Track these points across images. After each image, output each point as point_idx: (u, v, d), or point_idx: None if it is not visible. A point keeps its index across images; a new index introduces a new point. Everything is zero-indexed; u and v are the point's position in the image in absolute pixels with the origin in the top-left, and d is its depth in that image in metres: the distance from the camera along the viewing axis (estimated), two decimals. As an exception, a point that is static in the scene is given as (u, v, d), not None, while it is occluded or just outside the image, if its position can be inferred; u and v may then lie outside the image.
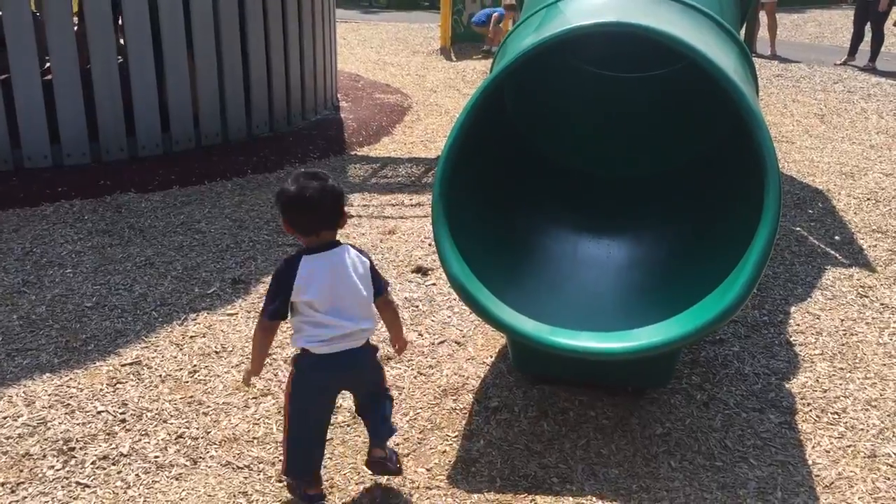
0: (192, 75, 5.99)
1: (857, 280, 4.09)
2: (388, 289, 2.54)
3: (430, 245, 4.41)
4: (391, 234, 4.61)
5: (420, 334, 3.50)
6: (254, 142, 6.34)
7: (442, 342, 3.44)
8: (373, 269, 2.45)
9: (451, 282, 2.62)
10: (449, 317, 3.66)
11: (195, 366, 3.22)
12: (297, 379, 2.40)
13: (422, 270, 4.14)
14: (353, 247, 2.44)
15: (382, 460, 2.46)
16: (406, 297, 3.84)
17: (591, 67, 3.91)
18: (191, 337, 3.45)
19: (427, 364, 3.26)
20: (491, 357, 3.31)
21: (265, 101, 6.54)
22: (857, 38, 10.53)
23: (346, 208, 2.40)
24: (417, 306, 3.76)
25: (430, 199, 3.37)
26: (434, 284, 3.99)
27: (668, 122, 3.80)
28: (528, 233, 3.37)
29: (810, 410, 2.96)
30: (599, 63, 3.89)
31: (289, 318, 2.36)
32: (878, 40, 10.21)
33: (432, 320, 3.63)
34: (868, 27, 10.34)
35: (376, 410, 2.50)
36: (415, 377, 3.16)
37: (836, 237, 4.67)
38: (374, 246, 4.41)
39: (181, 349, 3.35)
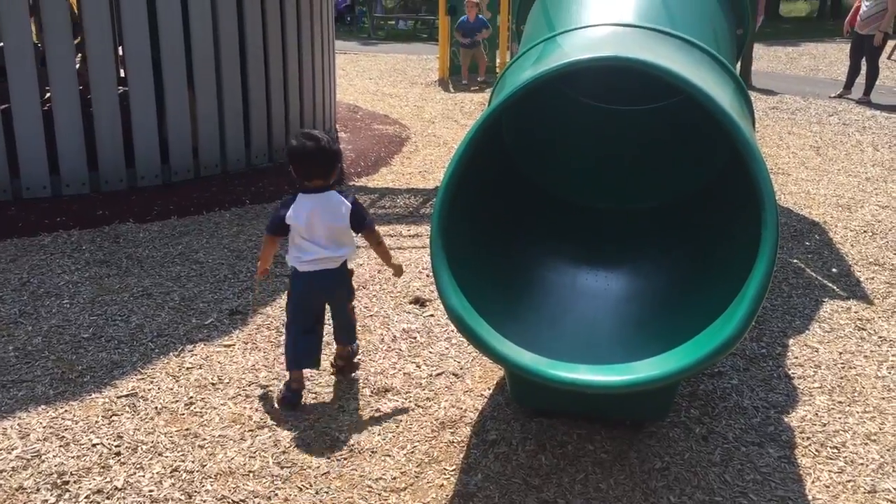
0: (191, 106, 6.02)
1: (855, 313, 4.09)
2: (372, 225, 3.18)
3: (428, 276, 4.41)
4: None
5: (418, 366, 3.49)
6: (253, 172, 6.37)
7: (440, 374, 3.43)
8: (355, 209, 3.10)
9: (449, 314, 2.61)
10: (447, 348, 3.65)
11: (191, 398, 3.20)
12: (290, 289, 3.22)
13: (420, 302, 4.13)
14: (340, 192, 3.12)
15: (340, 358, 3.40)
16: (404, 329, 3.83)
17: (590, 100, 3.94)
18: (187, 368, 3.43)
19: (425, 396, 3.25)
20: (489, 389, 3.29)
21: (264, 131, 6.58)
22: (853, 71, 10.62)
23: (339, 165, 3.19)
24: (415, 338, 3.75)
25: (428, 230, 3.37)
26: (432, 316, 3.98)
27: (667, 154, 3.82)
28: (526, 264, 3.37)
29: (810, 444, 2.95)
30: (598, 96, 3.92)
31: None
32: (872, 74, 10.30)
33: (430, 352, 3.62)
34: (864, 61, 10.43)
35: (339, 326, 3.35)
36: (412, 410, 3.15)
37: (834, 269, 4.67)
38: (371, 277, 4.41)
39: (177, 381, 3.33)
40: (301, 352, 3.17)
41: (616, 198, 3.74)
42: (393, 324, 3.89)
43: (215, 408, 3.13)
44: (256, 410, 3.12)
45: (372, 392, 3.27)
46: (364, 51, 16.81)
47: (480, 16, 12.05)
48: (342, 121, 8.40)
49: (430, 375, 3.41)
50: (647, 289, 3.29)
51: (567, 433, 2.96)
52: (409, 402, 3.20)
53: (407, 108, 9.85)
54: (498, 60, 12.76)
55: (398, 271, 3.35)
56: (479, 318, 2.63)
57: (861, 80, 10.43)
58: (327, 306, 3.30)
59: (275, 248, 3.23)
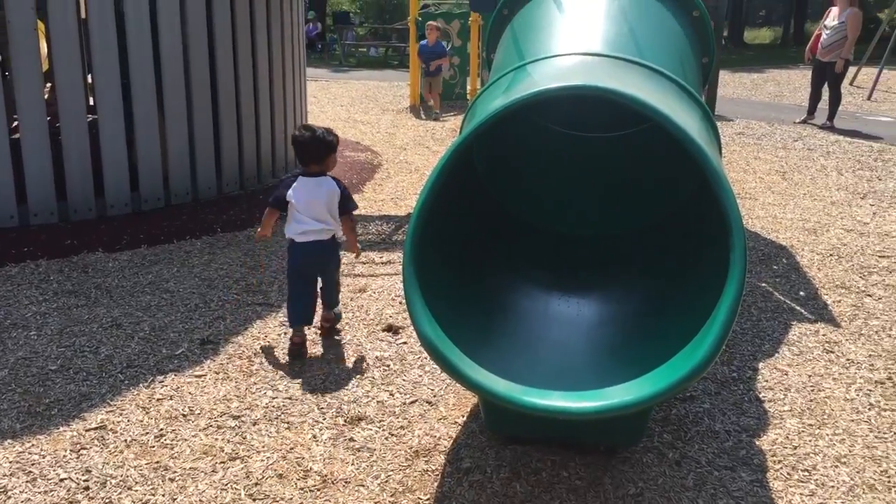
0: (162, 134, 6.00)
1: (823, 335, 4.15)
2: (352, 212, 3.86)
3: (400, 303, 4.41)
4: (361, 293, 4.60)
5: (391, 394, 3.48)
6: (224, 200, 6.34)
7: (413, 402, 3.41)
8: (343, 195, 3.78)
9: (423, 341, 2.61)
10: (420, 376, 3.64)
11: (162, 430, 3.16)
12: (288, 257, 3.89)
13: (392, 329, 4.12)
14: (334, 178, 3.81)
15: (326, 321, 4.01)
16: (377, 357, 3.82)
17: (560, 128, 3.98)
18: (157, 400, 3.39)
19: (398, 425, 3.23)
20: (463, 417, 3.29)
21: (235, 159, 6.56)
22: (815, 98, 10.84)
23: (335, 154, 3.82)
24: (388, 365, 3.74)
25: (400, 257, 3.37)
26: (405, 343, 3.97)
27: (637, 181, 3.87)
28: (499, 291, 3.38)
29: (781, 468, 2.97)
30: (568, 123, 3.97)
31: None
32: (835, 100, 10.51)
33: (403, 379, 3.61)
34: (826, 87, 10.65)
35: (327, 288, 3.97)
36: (386, 438, 3.13)
37: (801, 293, 4.74)
38: (344, 304, 4.39)
39: (147, 413, 3.29)
40: (298, 311, 3.79)
41: (588, 223, 3.77)
42: (366, 351, 3.88)
43: (186, 439, 3.09)
44: (228, 441, 3.08)
45: (345, 421, 3.25)
46: (335, 78, 16.87)
47: (442, 41, 11.85)
48: (314, 148, 8.40)
49: (404, 403, 3.40)
50: (618, 314, 3.31)
51: (541, 460, 2.96)
52: (383, 430, 3.19)
53: (379, 134, 9.88)
54: (469, 87, 12.86)
55: (357, 254, 4.03)
56: (453, 346, 2.63)
57: (824, 105, 10.64)
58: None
59: (274, 219, 3.88)
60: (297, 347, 3.78)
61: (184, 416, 3.27)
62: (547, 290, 3.44)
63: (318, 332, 4.03)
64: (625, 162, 3.95)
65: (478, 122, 2.68)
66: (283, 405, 3.35)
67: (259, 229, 3.94)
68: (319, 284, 3.94)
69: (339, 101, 13.06)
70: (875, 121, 11.42)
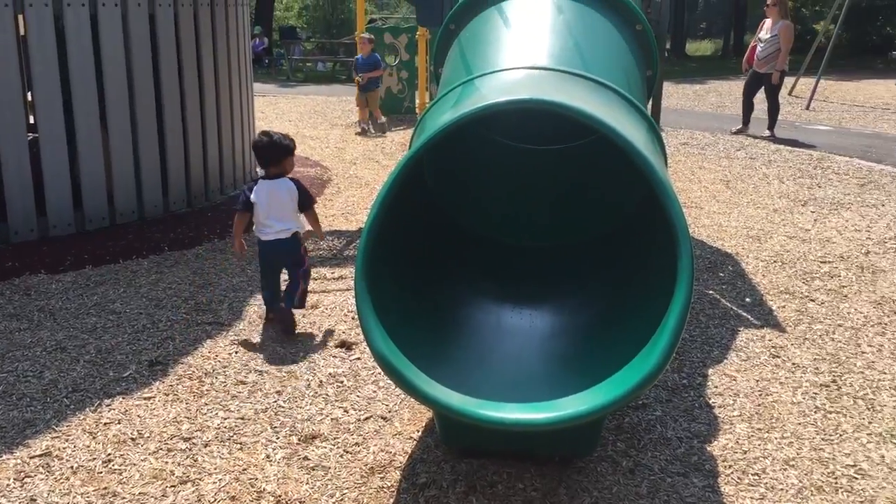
0: (105, 151, 5.89)
1: (770, 341, 4.24)
2: (313, 207, 4.33)
3: (353, 319, 4.38)
4: (313, 309, 4.57)
5: (346, 410, 3.45)
6: (171, 218, 6.25)
7: (368, 418, 3.39)
8: (301, 193, 4.21)
9: (376, 357, 2.60)
10: (374, 391, 3.62)
11: (110, 455, 3.08)
12: (258, 253, 4.33)
13: (346, 345, 4.10)
14: (292, 179, 4.22)
15: (283, 311, 4.26)
16: (330, 373, 3.79)
17: (509, 141, 4.02)
18: (105, 424, 3.31)
19: (353, 441, 3.20)
20: (418, 432, 3.28)
21: (182, 176, 6.47)
22: (747, 108, 11.07)
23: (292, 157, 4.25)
24: (342, 382, 3.71)
25: (352, 273, 3.35)
26: (359, 359, 3.95)
27: (587, 192, 3.91)
28: (452, 304, 3.38)
29: (732, 472, 3.02)
30: (517, 136, 4.00)
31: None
32: (774, 110, 10.77)
33: (358, 396, 3.58)
34: (760, 98, 10.88)
35: (291, 280, 4.30)
36: (341, 456, 3.10)
37: (748, 299, 4.84)
38: (296, 321, 4.35)
39: (94, 437, 3.21)
40: (266, 298, 4.33)
41: (539, 235, 3.80)
42: (319, 368, 3.84)
43: (135, 464, 3.03)
44: (179, 464, 3.02)
45: (299, 439, 3.21)
46: (283, 93, 16.77)
47: (376, 53, 11.63)
48: (262, 164, 8.32)
49: (359, 420, 3.38)
50: (570, 325, 3.34)
51: (497, 472, 2.96)
52: (338, 448, 3.16)
53: (328, 149, 9.84)
54: (417, 101, 12.90)
55: (322, 237, 4.71)
56: (406, 361, 2.62)
57: (762, 115, 10.88)
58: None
59: (244, 223, 4.29)
60: (272, 322, 4.32)
61: (132, 439, 3.19)
62: (499, 302, 3.45)
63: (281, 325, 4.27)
64: (575, 173, 4.00)
65: (427, 136, 2.69)
66: (235, 425, 3.30)
67: (233, 243, 4.38)
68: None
69: (287, 116, 12.98)
70: (814, 129, 11.74)
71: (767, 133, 10.68)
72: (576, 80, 3.04)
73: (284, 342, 4.12)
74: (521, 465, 2.99)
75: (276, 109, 13.64)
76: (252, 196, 4.12)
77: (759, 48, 10.63)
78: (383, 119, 11.46)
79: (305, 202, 4.24)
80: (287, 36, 25.41)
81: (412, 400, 3.10)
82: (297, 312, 4.36)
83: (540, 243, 3.78)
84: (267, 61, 23.14)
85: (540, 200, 3.97)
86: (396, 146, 10.07)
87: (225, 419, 3.36)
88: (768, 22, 10.60)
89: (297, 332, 4.23)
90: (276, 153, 4.15)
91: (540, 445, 2.96)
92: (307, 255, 4.41)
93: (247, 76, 7.66)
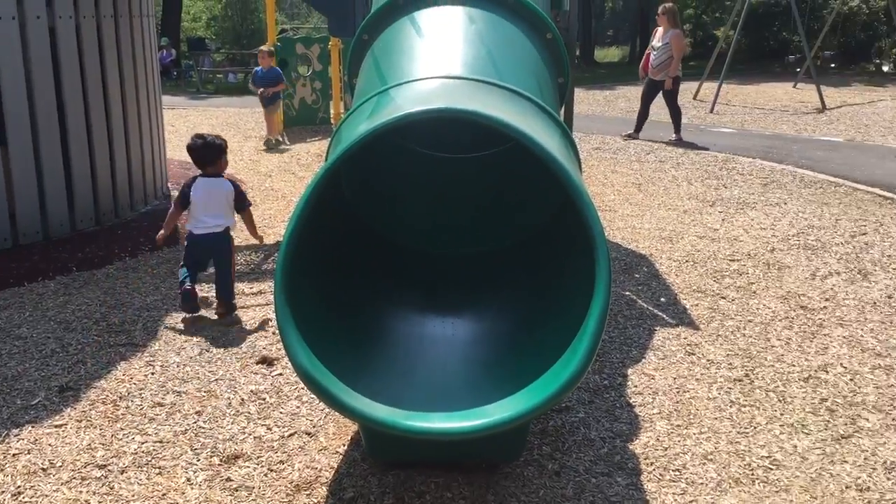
0: (6, 169, 5.64)
1: (685, 339, 4.35)
2: (249, 208, 4.73)
3: (274, 334, 4.31)
4: (233, 325, 4.47)
5: (269, 428, 3.38)
6: (79, 238, 6.02)
7: (292, 434, 3.33)
8: (237, 193, 4.60)
9: (298, 372, 2.56)
10: (298, 407, 3.56)
11: (19, 487, 2.94)
12: (186, 245, 4.61)
13: (267, 361, 4.02)
14: (230, 179, 4.62)
15: (220, 306, 4.58)
16: (252, 391, 3.71)
17: (426, 150, 4.02)
18: (13, 455, 3.16)
19: (277, 459, 3.14)
20: (344, 446, 3.24)
21: (89, 193, 6.25)
22: (643, 115, 11.31)
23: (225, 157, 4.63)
24: (264, 399, 3.64)
25: (271, 287, 3.29)
26: (281, 374, 3.88)
27: (505, 199, 3.95)
28: (375, 315, 3.36)
29: (654, 469, 3.09)
30: (435, 145, 4.01)
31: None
32: (675, 115, 11.07)
33: (281, 412, 3.52)
34: (660, 104, 11.11)
35: (220, 277, 4.58)
36: (265, 475, 3.04)
37: (662, 299, 4.96)
38: (215, 339, 4.25)
39: (2, 470, 3.06)
40: (187, 283, 4.43)
41: (460, 243, 3.82)
42: (240, 386, 3.76)
43: (47, 495, 2.90)
44: (94, 493, 2.91)
45: (221, 460, 3.13)
46: (193, 105, 16.40)
47: (276, 67, 11.30)
48: (175, 178, 8.12)
49: (283, 437, 3.32)
50: (492, 331, 3.36)
51: (425, 483, 2.95)
52: (262, 466, 3.10)
53: (242, 162, 9.67)
54: (332, 112, 12.81)
55: (260, 241, 4.96)
56: (330, 374, 2.59)
57: (661, 120, 11.17)
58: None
59: (177, 217, 4.65)
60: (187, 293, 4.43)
61: (43, 470, 3.06)
62: (422, 311, 3.45)
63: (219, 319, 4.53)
64: (494, 181, 4.03)
65: (344, 147, 2.67)
66: (153, 449, 3.20)
67: (161, 232, 4.60)
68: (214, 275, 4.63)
69: (198, 128, 12.66)
70: (718, 132, 12.15)
71: (674, 137, 10.99)
72: (490, 88, 3.07)
73: (203, 362, 4.02)
74: (448, 474, 2.99)
75: (186, 122, 13.33)
76: (191, 192, 4.46)
77: (652, 56, 10.95)
78: (279, 136, 11.19)
79: (241, 203, 4.62)
80: (195, 47, 24.86)
81: (337, 414, 3.07)
82: (217, 329, 4.26)
83: (462, 251, 3.79)
84: (175, 73, 22.59)
85: (461, 208, 4.00)
86: (313, 157, 9.97)
87: (142, 444, 3.25)
88: (660, 30, 10.93)
89: (229, 325, 4.48)
90: (210, 153, 4.51)
91: (467, 453, 2.97)
92: (234, 251, 4.76)
93: (155, 88, 7.46)
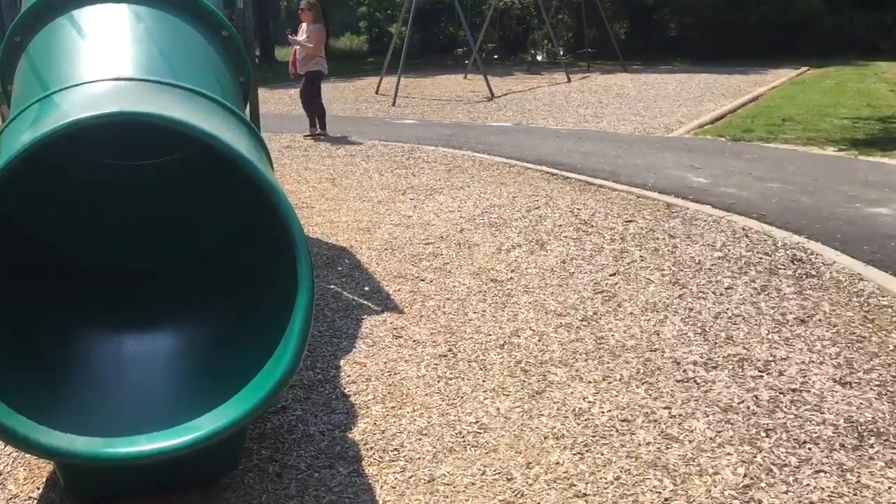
0: None
1: (391, 323, 4.51)
2: None
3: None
4: None
5: (-55, 486, 2.97)
6: None
7: (-24, 488, 2.96)
8: None
9: (-25, 417, 2.27)
10: (-21, 456, 3.17)
11: None
12: None
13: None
14: None
15: None
16: (-82, 447, 3.23)
17: (107, 159, 3.74)
18: None
19: (-40, 519, 2.78)
20: (38, 489, 2.94)
21: None
22: (309, 111, 11.31)
23: None
24: (-65, 454, 3.19)
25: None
26: (-47, 423, 3.42)
27: (199, 205, 3.79)
28: (64, 342, 3.08)
29: (374, 453, 3.17)
30: (114, 152, 3.74)
31: None
32: (320, 112, 11.23)
33: (-42, 466, 3.10)
34: (328, 98, 11.26)
35: None
36: (-54, 539, 2.67)
37: (366, 288, 5.10)
38: None
39: None
40: None
41: (151, 255, 3.61)
42: None
43: None
44: None
45: None
46: None
47: None
48: None
49: (-36, 493, 2.93)
50: (197, 342, 3.23)
51: (139, 511, 2.78)
52: (-59, 530, 2.72)
53: None
54: (-12, 123, 11.46)
55: None
56: (15, 414, 2.33)
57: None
58: None
59: None
60: None
61: None
62: (118, 331, 3.22)
63: None
64: (184, 188, 3.85)
65: (5, 160, 2.40)
66: None
67: None
68: None
69: None
70: (402, 123, 12.71)
71: (318, 132, 11.11)
72: (168, 89, 2.93)
73: None
74: (164, 498, 2.83)
75: None
76: None
77: (298, 51, 11.13)
78: None
79: None
80: None
81: (29, 456, 2.78)
82: None
83: (156, 263, 3.59)
84: None
85: (150, 219, 3.77)
86: None
87: None
88: (304, 25, 11.16)
89: None
90: None
91: (182, 472, 2.83)
92: None
93: None
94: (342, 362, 4.02)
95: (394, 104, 14.89)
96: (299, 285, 2.55)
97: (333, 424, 3.39)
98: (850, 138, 10.35)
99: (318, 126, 11.27)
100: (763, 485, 2.88)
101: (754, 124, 11.67)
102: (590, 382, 3.73)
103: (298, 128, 11.99)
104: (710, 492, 2.85)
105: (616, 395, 3.59)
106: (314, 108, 11.12)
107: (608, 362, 3.93)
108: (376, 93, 16.08)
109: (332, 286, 5.15)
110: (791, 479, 2.92)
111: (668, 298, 4.74)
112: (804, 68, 20.64)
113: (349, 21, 36.23)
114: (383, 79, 16.58)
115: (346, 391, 3.71)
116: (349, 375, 3.87)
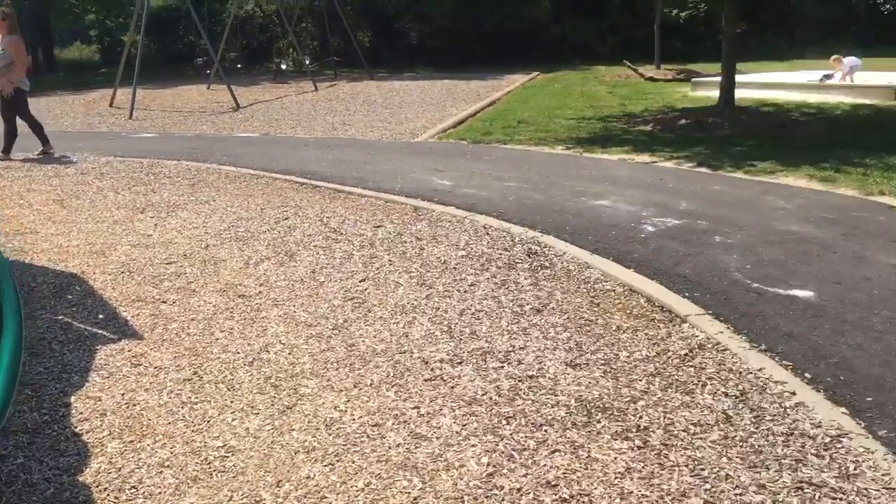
0: None
1: (129, 351, 4.22)
2: None
3: None
4: None
5: None
6: None
7: None
8: None
9: None
10: None
11: None
12: None
13: None
14: None
15: None
16: None
17: None
18: None
19: None
20: None
21: None
22: (8, 132, 10.32)
23: None
24: None
25: None
26: None
27: None
28: None
29: (108, 495, 2.91)
30: None
31: None
32: (12, 131, 10.26)
33: None
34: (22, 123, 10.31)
35: None
36: None
37: (101, 315, 4.73)
38: None
39: None
40: None
41: None
42: None
43: None
44: None
45: None
46: None
47: None
48: None
49: None
50: None
51: None
52: None
53: None
54: None
55: None
56: None
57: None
58: None
59: None
60: None
61: None
62: None
63: None
64: None
65: None
66: None
67: None
68: None
69: None
70: (141, 137, 12.03)
71: (48, 148, 10.26)
72: None
73: None
74: None
75: None
76: None
77: None
78: None
79: None
80: None
81: None
82: None
83: None
84: None
85: None
86: None
87: None
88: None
89: None
90: None
91: None
92: None
93: None
94: (73, 399, 3.69)
95: (130, 117, 14.05)
96: (5, 324, 2.30)
97: (62, 469, 3.09)
98: (576, 137, 11.24)
99: (7, 148, 10.18)
100: (505, 471, 3.01)
101: (492, 127, 12.32)
102: (341, 391, 3.71)
103: (20, 146, 10.96)
104: (456, 485, 2.93)
105: (367, 401, 3.60)
106: (31, 126, 10.15)
107: (359, 369, 3.93)
108: (111, 105, 15.08)
109: (60, 317, 4.71)
110: (530, 461, 3.07)
111: (416, 300, 4.84)
112: (536, 73, 22.18)
113: (76, 29, 33.70)
114: (118, 90, 15.59)
115: (77, 430, 3.40)
116: (81, 412, 3.56)
